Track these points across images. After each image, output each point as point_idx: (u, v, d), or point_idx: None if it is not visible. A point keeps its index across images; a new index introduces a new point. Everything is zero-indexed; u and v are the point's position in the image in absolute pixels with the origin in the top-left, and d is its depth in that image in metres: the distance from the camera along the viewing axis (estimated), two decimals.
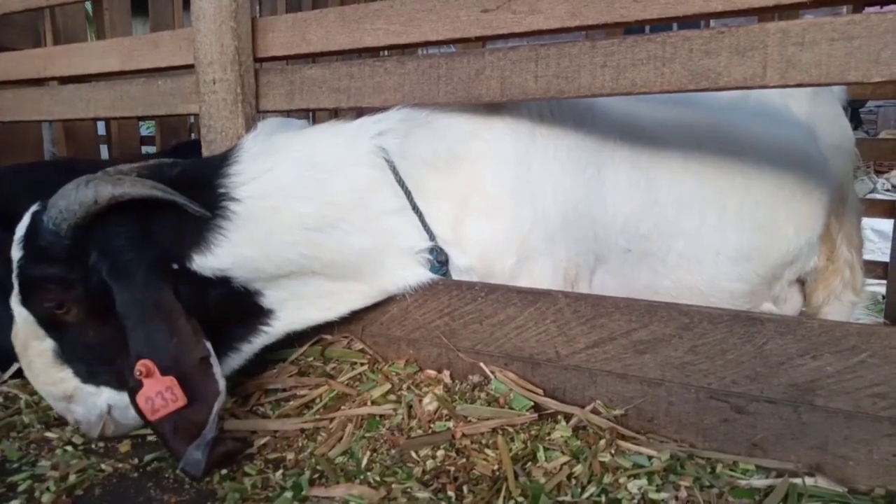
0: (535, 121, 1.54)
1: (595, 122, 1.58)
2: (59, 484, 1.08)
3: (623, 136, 1.59)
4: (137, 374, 1.13)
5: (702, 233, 1.62)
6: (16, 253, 1.24)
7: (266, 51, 1.68)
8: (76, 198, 1.20)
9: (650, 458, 1.16)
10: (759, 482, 1.10)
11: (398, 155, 1.46)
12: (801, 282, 1.95)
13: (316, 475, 1.15)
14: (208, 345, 1.24)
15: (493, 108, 1.54)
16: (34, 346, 1.26)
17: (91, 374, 1.27)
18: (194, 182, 1.35)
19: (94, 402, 1.27)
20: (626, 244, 1.59)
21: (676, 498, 1.06)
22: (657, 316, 1.22)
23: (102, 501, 1.06)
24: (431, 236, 1.45)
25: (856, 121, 10.13)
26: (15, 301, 1.25)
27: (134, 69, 1.97)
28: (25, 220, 1.26)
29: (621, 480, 1.11)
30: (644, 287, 1.63)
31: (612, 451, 1.18)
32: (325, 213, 1.39)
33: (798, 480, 1.07)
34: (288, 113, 1.73)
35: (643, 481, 1.10)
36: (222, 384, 1.22)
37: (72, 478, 1.10)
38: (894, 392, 1.04)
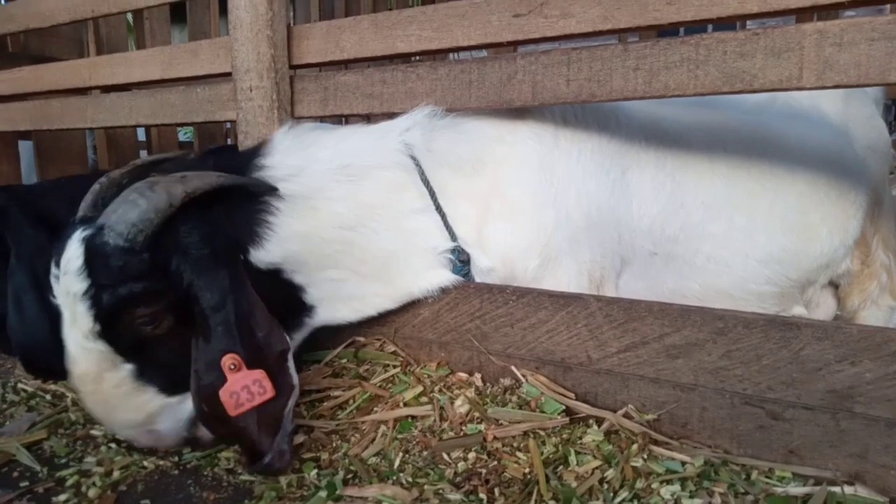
0: (558, 124, 1.55)
1: (619, 125, 1.58)
2: (104, 479, 1.12)
3: (648, 138, 1.58)
4: (229, 367, 1.12)
5: (730, 235, 1.60)
6: (76, 285, 1.13)
7: (301, 58, 1.71)
8: (150, 206, 1.15)
9: (683, 463, 1.15)
10: (796, 489, 1.08)
11: (424, 153, 1.48)
12: (835, 286, 1.91)
13: (349, 475, 1.18)
14: (287, 338, 1.25)
15: (518, 112, 1.55)
16: (109, 379, 1.17)
17: (176, 383, 1.21)
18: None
19: (182, 408, 1.23)
20: (652, 247, 1.58)
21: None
22: (690, 320, 1.21)
23: (145, 497, 1.09)
24: (453, 236, 1.47)
25: None
26: (83, 336, 1.14)
27: (174, 77, 2.02)
28: (74, 248, 1.15)
29: (654, 486, 1.10)
30: (670, 290, 1.62)
31: (645, 456, 1.17)
32: (357, 213, 1.42)
33: (837, 489, 1.06)
34: (322, 119, 1.75)
35: (676, 487, 1.09)
36: (296, 378, 1.23)
37: (116, 474, 1.14)
38: None
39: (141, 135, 3.61)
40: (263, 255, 1.31)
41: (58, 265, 1.17)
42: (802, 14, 1.09)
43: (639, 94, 1.24)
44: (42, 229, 1.54)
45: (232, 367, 1.13)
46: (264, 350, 1.19)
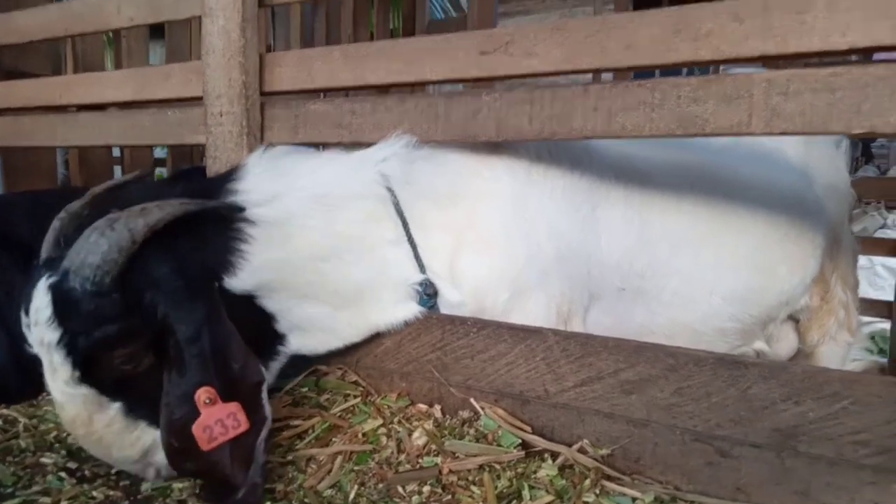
0: (532, 161, 1.58)
1: (591, 163, 1.62)
2: None
3: (618, 176, 1.62)
4: (204, 402, 1.10)
5: (695, 272, 1.63)
6: (48, 335, 1.10)
7: (272, 85, 1.73)
8: (111, 245, 1.12)
9: (634, 499, 1.16)
10: None
11: (401, 184, 1.49)
12: (795, 320, 1.96)
13: None
14: (262, 369, 1.24)
15: (493, 147, 1.58)
16: (99, 420, 1.15)
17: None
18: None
19: None
20: (621, 282, 1.61)
21: None
22: (644, 356, 1.23)
23: None
24: (423, 268, 1.48)
25: (867, 156, 10.11)
26: (65, 384, 1.12)
27: (146, 99, 2.02)
28: (41, 298, 1.12)
29: None
30: (639, 325, 1.65)
31: (597, 492, 1.18)
32: (332, 243, 1.42)
33: None
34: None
35: None
36: (268, 409, 1.22)
37: None
38: (876, 440, 1.05)
39: (116, 151, 3.59)
40: (237, 282, 1.30)
41: (27, 314, 1.14)
42: (752, 62, 1.13)
43: (598, 133, 1.28)
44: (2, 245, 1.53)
45: (207, 400, 1.11)
46: (240, 382, 1.18)
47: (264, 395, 1.21)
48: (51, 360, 1.12)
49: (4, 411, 1.51)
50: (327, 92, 1.73)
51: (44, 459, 1.30)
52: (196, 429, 1.09)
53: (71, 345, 1.10)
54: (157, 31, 3.53)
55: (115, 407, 1.16)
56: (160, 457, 1.20)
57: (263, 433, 1.18)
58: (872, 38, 1.05)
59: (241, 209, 1.34)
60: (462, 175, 1.55)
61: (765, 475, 1.14)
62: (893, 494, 1.04)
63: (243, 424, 1.13)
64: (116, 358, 1.13)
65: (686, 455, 1.20)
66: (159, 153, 5.29)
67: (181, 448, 1.11)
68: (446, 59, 1.44)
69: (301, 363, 1.53)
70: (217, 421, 1.10)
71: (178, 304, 1.15)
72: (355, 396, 1.51)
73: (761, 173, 1.79)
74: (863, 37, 1.06)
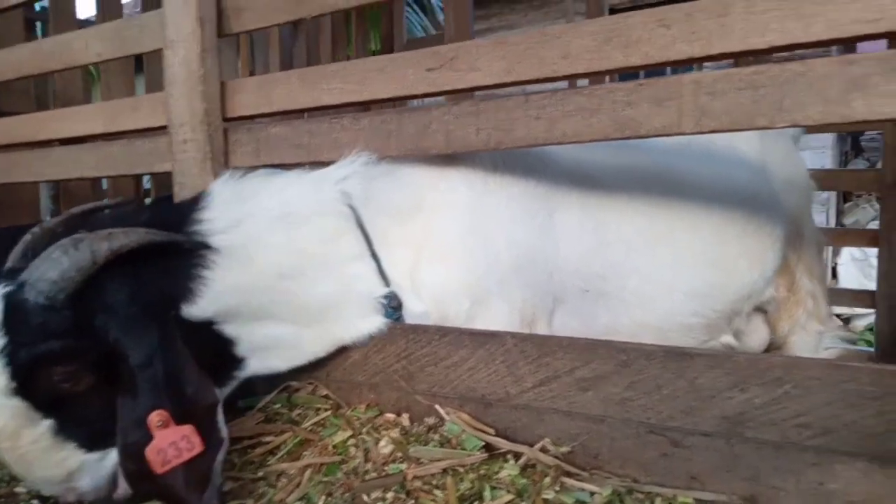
0: (488, 171, 1.62)
1: (546, 170, 1.66)
2: None
3: (573, 181, 1.66)
4: (157, 425, 1.11)
5: (653, 271, 1.67)
6: None
7: (234, 111, 1.77)
8: (71, 264, 1.15)
9: (592, 493, 1.19)
10: None
11: (361, 200, 1.53)
12: (764, 312, 1.99)
13: None
14: (216, 391, 1.26)
15: (450, 159, 1.62)
16: (27, 435, 1.15)
17: (96, 439, 1.21)
18: (166, 228, 1.36)
19: (103, 465, 1.23)
20: (584, 284, 1.64)
21: None
22: (597, 354, 1.27)
23: None
24: (387, 282, 1.51)
25: (856, 149, 10.16)
26: (1, 394, 1.13)
27: (117, 131, 2.07)
28: None
29: None
30: (604, 326, 1.68)
31: (557, 489, 1.21)
32: (296, 262, 1.46)
33: None
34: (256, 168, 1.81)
35: None
36: (226, 430, 1.24)
37: None
38: (817, 422, 1.08)
39: (105, 183, 3.64)
40: (195, 310, 1.33)
41: None
42: (678, 66, 1.18)
43: (541, 141, 1.32)
44: None
45: (159, 423, 1.13)
46: (193, 405, 1.20)
47: (220, 416, 1.24)
48: None
49: None
50: (287, 115, 1.77)
51: (18, 489, 1.32)
52: (150, 452, 1.10)
53: (13, 354, 1.12)
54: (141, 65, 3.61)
55: (46, 424, 1.16)
56: (85, 482, 1.21)
57: (220, 455, 1.20)
58: (789, 37, 1.10)
59: (205, 244, 1.37)
60: (420, 188, 1.59)
61: (716, 463, 1.17)
62: (836, 474, 1.07)
63: (197, 447, 1.14)
64: (55, 374, 1.15)
65: (641, 448, 1.23)
66: (147, 183, 5.35)
67: (136, 470, 1.13)
68: (396, 77, 1.49)
69: (268, 381, 1.56)
70: (170, 444, 1.12)
71: (131, 329, 1.18)
72: (326, 410, 1.54)
73: (714, 171, 1.83)
74: (780, 36, 1.10)
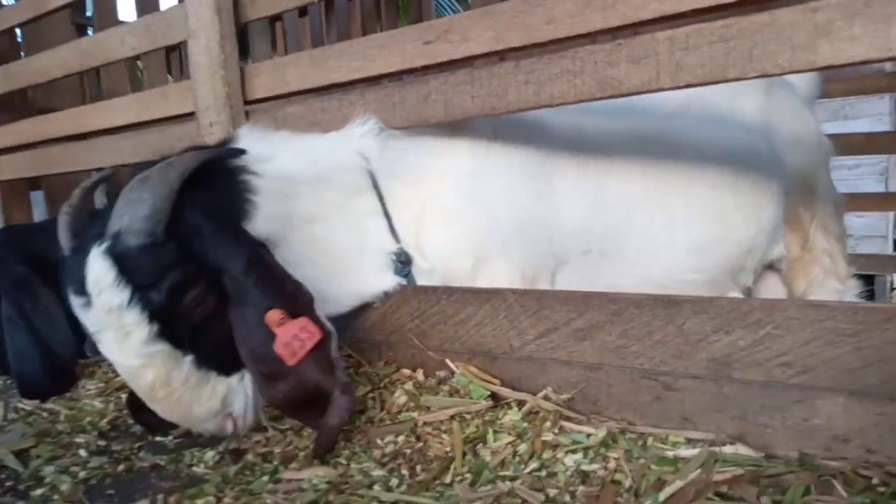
0: (490, 138, 1.69)
1: (546, 137, 1.72)
2: (75, 477, 1.28)
3: (572, 147, 1.71)
4: (277, 322, 1.15)
5: (653, 229, 1.72)
6: (116, 298, 1.13)
7: (253, 94, 1.89)
8: (157, 196, 1.17)
9: (588, 435, 1.27)
10: (685, 452, 1.18)
11: (376, 159, 1.62)
12: (778, 270, 2.00)
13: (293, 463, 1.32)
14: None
15: (456, 127, 1.69)
16: (177, 377, 1.19)
17: (230, 362, 1.25)
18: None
19: (244, 385, 1.28)
20: (585, 245, 1.70)
21: (605, 468, 1.17)
22: (591, 304, 1.33)
23: (110, 489, 1.25)
24: (397, 239, 1.61)
25: None
26: (142, 344, 1.15)
27: (151, 119, 2.22)
28: (100, 265, 1.15)
29: (559, 456, 1.22)
30: (606, 285, 1.73)
31: (556, 431, 1.29)
32: (321, 209, 1.55)
33: (719, 448, 1.16)
34: None
35: (579, 455, 1.21)
36: (329, 324, 1.27)
37: (84, 473, 1.30)
38: (799, 360, 1.12)
39: None
40: (252, 229, 1.35)
41: (82, 293, 1.16)
42: (654, 24, 1.21)
43: (531, 104, 1.38)
44: (30, 265, 1.73)
45: (279, 319, 1.16)
46: (297, 299, 1.24)
47: (319, 310, 1.27)
48: (122, 325, 1.13)
49: (49, 405, 1.72)
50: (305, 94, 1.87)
51: (77, 439, 1.48)
52: (278, 347, 1.15)
53: (144, 300, 1.14)
54: None
55: (188, 361, 1.20)
56: (238, 404, 1.28)
57: (333, 343, 1.24)
58: None
59: (244, 154, 1.39)
60: (428, 155, 1.67)
61: (706, 404, 1.22)
62: (818, 409, 1.12)
63: (317, 334, 1.18)
64: (188, 302, 1.18)
65: (636, 392, 1.30)
66: None
67: (270, 372, 1.17)
68: (396, 52, 1.56)
69: None
70: (293, 336, 1.16)
71: (222, 243, 1.21)
72: (348, 368, 1.65)
73: (710, 131, 1.86)
74: None
